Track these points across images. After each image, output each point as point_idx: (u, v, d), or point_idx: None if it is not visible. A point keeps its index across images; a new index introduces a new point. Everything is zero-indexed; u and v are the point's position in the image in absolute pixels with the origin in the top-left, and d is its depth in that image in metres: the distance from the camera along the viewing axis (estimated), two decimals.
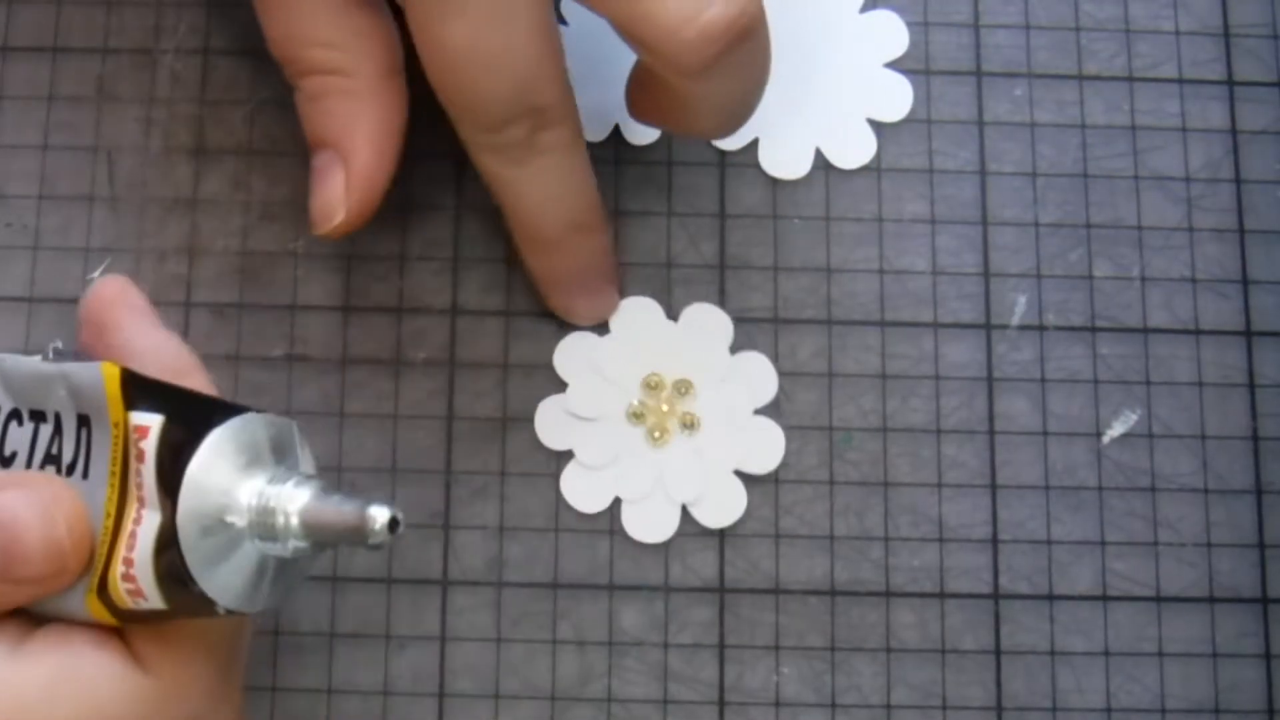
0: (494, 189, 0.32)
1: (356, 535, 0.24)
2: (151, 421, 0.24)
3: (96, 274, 0.35)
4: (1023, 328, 0.36)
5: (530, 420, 0.35)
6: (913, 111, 0.37)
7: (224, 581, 0.25)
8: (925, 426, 0.35)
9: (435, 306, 0.36)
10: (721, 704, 0.34)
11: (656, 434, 0.35)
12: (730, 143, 0.36)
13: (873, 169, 0.37)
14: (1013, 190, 0.36)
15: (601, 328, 0.35)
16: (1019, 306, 0.36)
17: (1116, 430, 0.35)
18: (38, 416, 0.26)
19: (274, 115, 0.36)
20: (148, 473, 0.24)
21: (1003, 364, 0.36)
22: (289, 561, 0.26)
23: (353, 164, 0.32)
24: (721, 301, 0.36)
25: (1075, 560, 0.35)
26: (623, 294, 0.35)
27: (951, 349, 0.36)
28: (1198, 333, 0.36)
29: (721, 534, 0.35)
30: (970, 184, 0.36)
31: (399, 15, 0.31)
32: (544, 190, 0.32)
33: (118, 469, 0.25)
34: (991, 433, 0.35)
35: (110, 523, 0.25)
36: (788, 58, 0.37)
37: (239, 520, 0.25)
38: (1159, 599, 0.34)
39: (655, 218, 0.36)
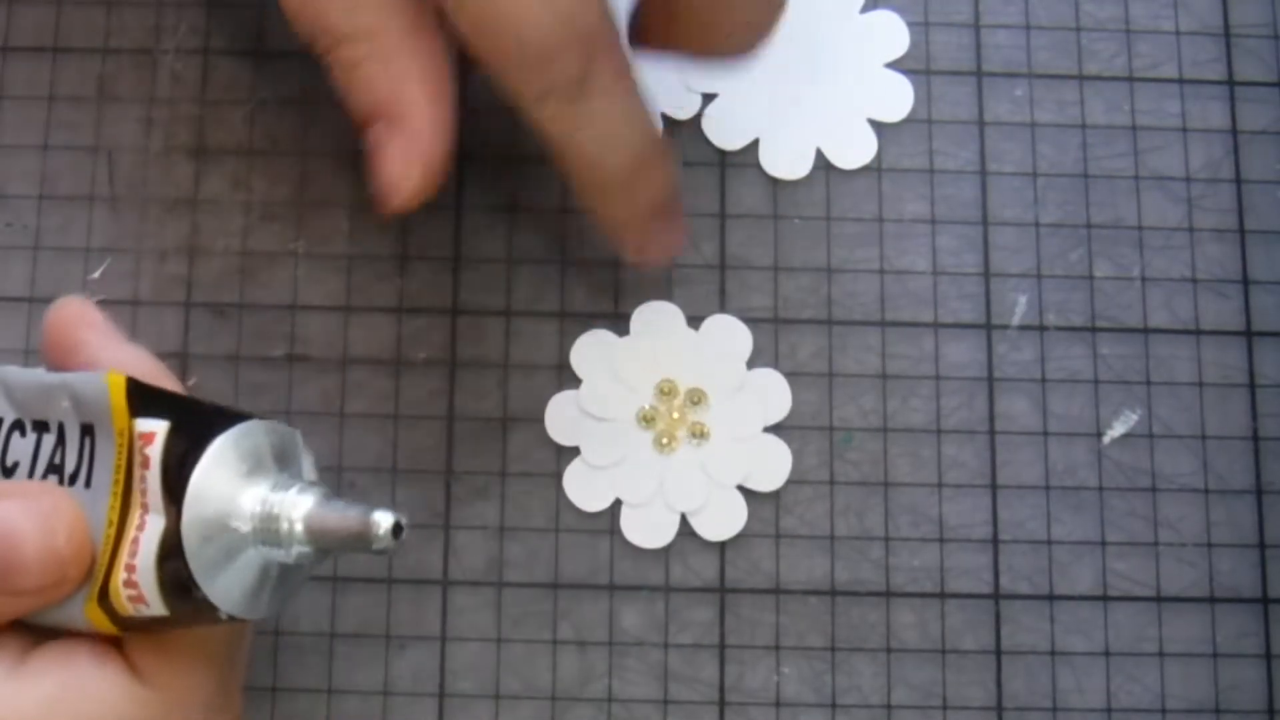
0: (553, 138, 0.29)
1: (361, 541, 0.24)
2: (157, 428, 0.24)
3: (97, 274, 0.35)
4: (1023, 328, 0.36)
5: (531, 420, 0.35)
6: (913, 111, 0.37)
7: (226, 587, 0.25)
8: (925, 426, 0.35)
9: (435, 306, 0.36)
10: (722, 704, 0.34)
11: (664, 440, 0.35)
12: (730, 143, 0.36)
13: (873, 169, 0.37)
14: (1013, 190, 0.36)
15: (621, 328, 0.35)
16: (1019, 306, 0.36)
17: (1117, 430, 0.35)
18: (41, 427, 0.26)
19: (274, 115, 0.36)
20: (153, 478, 0.24)
21: (1003, 364, 0.36)
22: (290, 568, 0.26)
23: (409, 128, 0.29)
24: (722, 302, 0.36)
25: (1075, 560, 0.35)
26: (627, 295, 0.35)
27: (952, 349, 0.36)
28: (1198, 333, 0.36)
29: None
30: (970, 184, 0.36)
31: None
32: (606, 127, 0.29)
33: (121, 476, 0.25)
34: (992, 433, 0.35)
35: (112, 530, 0.25)
36: (788, 58, 0.37)
37: (243, 526, 0.25)
38: (1159, 599, 0.35)
39: None
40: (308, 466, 0.27)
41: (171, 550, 0.24)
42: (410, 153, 0.29)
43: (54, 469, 0.26)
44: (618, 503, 0.35)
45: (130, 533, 0.24)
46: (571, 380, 0.35)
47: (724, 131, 0.36)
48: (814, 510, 0.35)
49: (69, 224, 0.36)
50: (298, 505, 0.25)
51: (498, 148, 0.36)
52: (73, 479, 0.25)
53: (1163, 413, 0.35)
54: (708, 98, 0.37)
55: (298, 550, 0.25)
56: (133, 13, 0.37)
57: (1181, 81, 0.37)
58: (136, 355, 0.29)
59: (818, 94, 0.37)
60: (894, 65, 0.37)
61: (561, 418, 0.35)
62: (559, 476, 0.35)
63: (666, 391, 0.35)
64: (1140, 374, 0.36)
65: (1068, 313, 0.36)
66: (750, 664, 0.34)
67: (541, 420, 0.35)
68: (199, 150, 0.36)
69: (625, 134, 0.29)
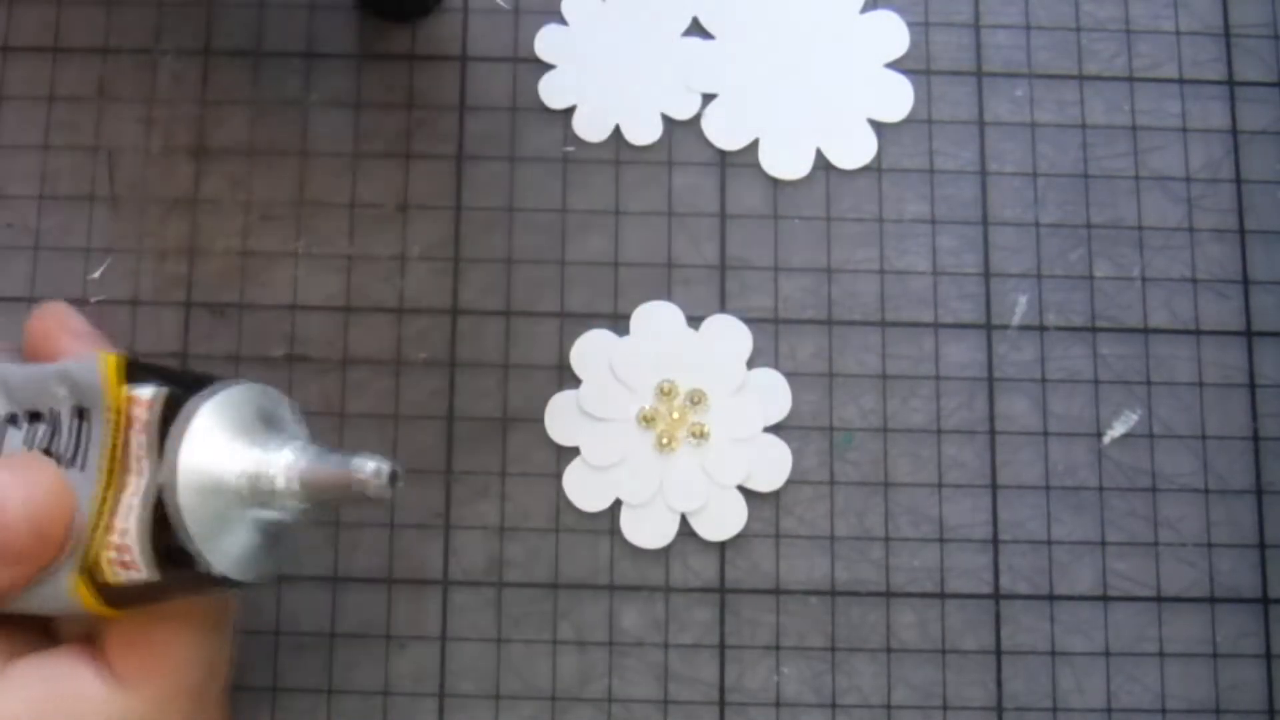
0: None
1: (352, 490, 0.24)
2: (149, 393, 0.24)
3: (97, 274, 0.35)
4: (1023, 328, 0.36)
5: (531, 420, 0.35)
6: (913, 111, 0.37)
7: (218, 545, 0.25)
8: (925, 426, 0.35)
9: (435, 306, 0.36)
10: (722, 704, 0.34)
11: (665, 440, 0.35)
12: (730, 143, 0.36)
13: (873, 169, 0.37)
14: (1013, 190, 0.36)
15: (621, 328, 0.35)
16: (1019, 306, 0.36)
17: (1117, 430, 0.35)
18: (35, 418, 0.26)
19: (274, 115, 0.36)
20: (145, 440, 0.24)
21: (1003, 364, 0.36)
22: (281, 530, 0.26)
23: None
24: (722, 302, 0.36)
25: (1075, 560, 0.35)
26: (627, 295, 0.36)
27: (952, 349, 0.36)
28: (1198, 333, 0.36)
29: None
30: (970, 184, 0.36)
31: None
32: None
33: (109, 450, 0.25)
34: (992, 433, 0.35)
35: (99, 504, 0.25)
36: (788, 58, 0.37)
37: (234, 483, 0.25)
38: (1159, 599, 0.34)
39: (655, 218, 0.36)
40: (302, 428, 0.27)
41: (163, 510, 0.24)
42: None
43: (47, 455, 0.26)
44: (618, 503, 0.35)
45: (123, 499, 0.24)
46: (571, 380, 0.35)
47: (724, 131, 0.36)
48: (814, 510, 0.35)
49: (69, 224, 0.36)
50: (288, 461, 0.25)
51: (498, 148, 0.36)
52: (69, 463, 0.26)
53: (1163, 413, 0.35)
54: (708, 98, 0.37)
55: (290, 506, 0.25)
56: (132, 13, 0.37)
57: (1181, 81, 0.37)
58: None
59: (818, 94, 0.37)
60: (894, 65, 0.37)
61: (561, 418, 0.35)
62: (559, 476, 0.35)
63: (666, 392, 0.35)
64: (1140, 374, 0.36)
65: (1068, 313, 0.36)
66: (750, 664, 0.34)
67: (541, 420, 0.35)
68: (199, 150, 0.36)
69: None
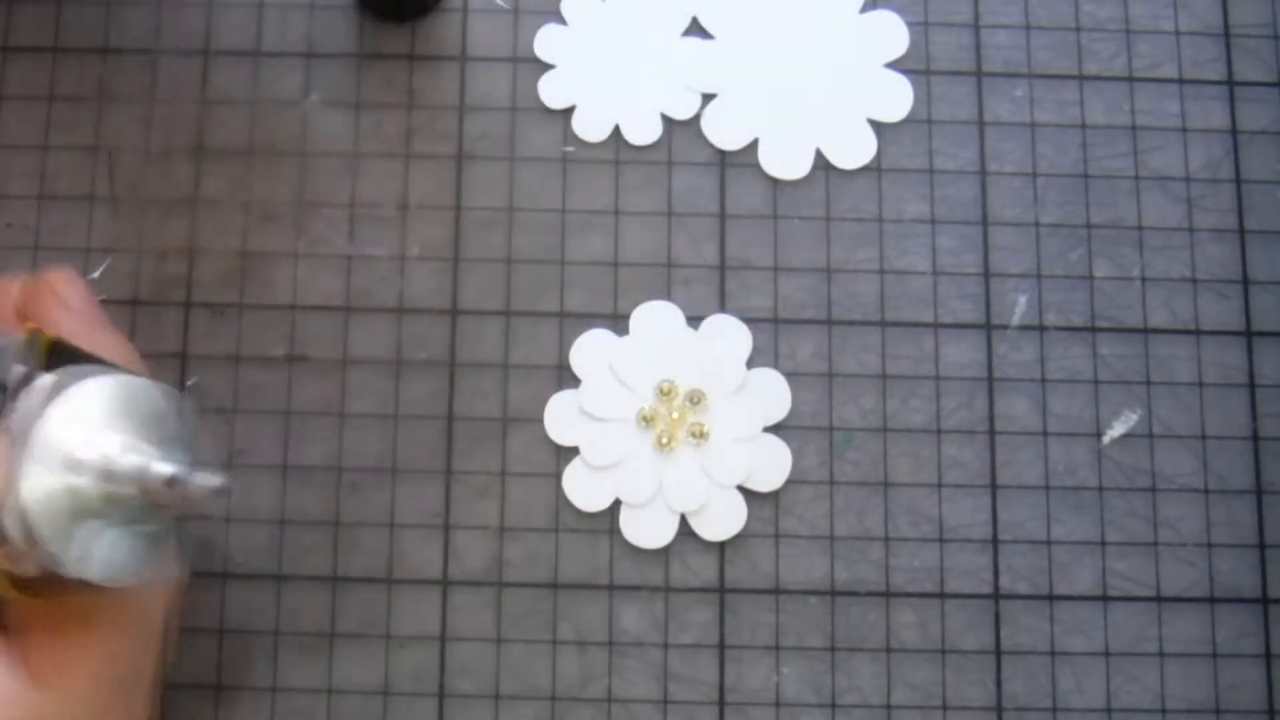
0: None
1: (180, 498, 0.23)
2: (44, 381, 0.24)
3: (96, 274, 0.35)
4: (1023, 328, 0.36)
5: (531, 420, 0.35)
6: (913, 111, 0.37)
7: (71, 546, 0.24)
8: (925, 426, 0.35)
9: (435, 306, 0.36)
10: (721, 704, 0.34)
11: (664, 440, 0.34)
12: (730, 143, 0.36)
13: (873, 169, 0.37)
14: (1013, 190, 0.36)
15: (621, 328, 0.35)
16: (1019, 306, 0.36)
17: (1117, 430, 0.35)
18: None
19: (274, 115, 0.36)
20: (10, 425, 0.23)
21: (1003, 364, 0.36)
22: (160, 532, 0.25)
23: None
24: (722, 302, 0.36)
25: (1075, 560, 0.35)
26: (627, 295, 0.36)
27: (952, 349, 0.36)
28: (1198, 333, 0.36)
29: None
30: (970, 184, 0.36)
31: None
32: None
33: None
34: (992, 433, 0.35)
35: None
36: (788, 58, 0.37)
37: (82, 483, 0.24)
38: (1159, 599, 0.34)
39: (655, 218, 0.36)
40: (186, 431, 0.26)
41: (11, 497, 0.23)
42: None
43: None
44: (617, 503, 0.35)
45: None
46: (571, 380, 0.35)
47: (724, 131, 0.36)
48: (814, 510, 0.35)
49: (69, 224, 0.36)
50: (131, 464, 0.24)
51: (498, 148, 0.36)
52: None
53: (1163, 413, 0.35)
54: (708, 98, 0.37)
55: (133, 511, 0.24)
56: (132, 13, 0.37)
57: (1181, 81, 0.37)
58: (113, 342, 0.28)
59: (818, 94, 0.37)
60: (894, 65, 0.37)
61: (561, 418, 0.35)
62: (559, 476, 0.35)
63: (666, 392, 0.35)
64: (1140, 374, 0.36)
65: (1068, 313, 0.36)
66: (750, 664, 0.34)
67: (541, 420, 0.35)
68: (199, 150, 0.36)
69: None
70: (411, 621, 0.34)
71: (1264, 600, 0.35)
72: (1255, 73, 0.37)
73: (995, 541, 0.35)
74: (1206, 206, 0.36)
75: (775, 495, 0.35)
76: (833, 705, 0.34)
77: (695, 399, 0.35)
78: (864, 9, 0.37)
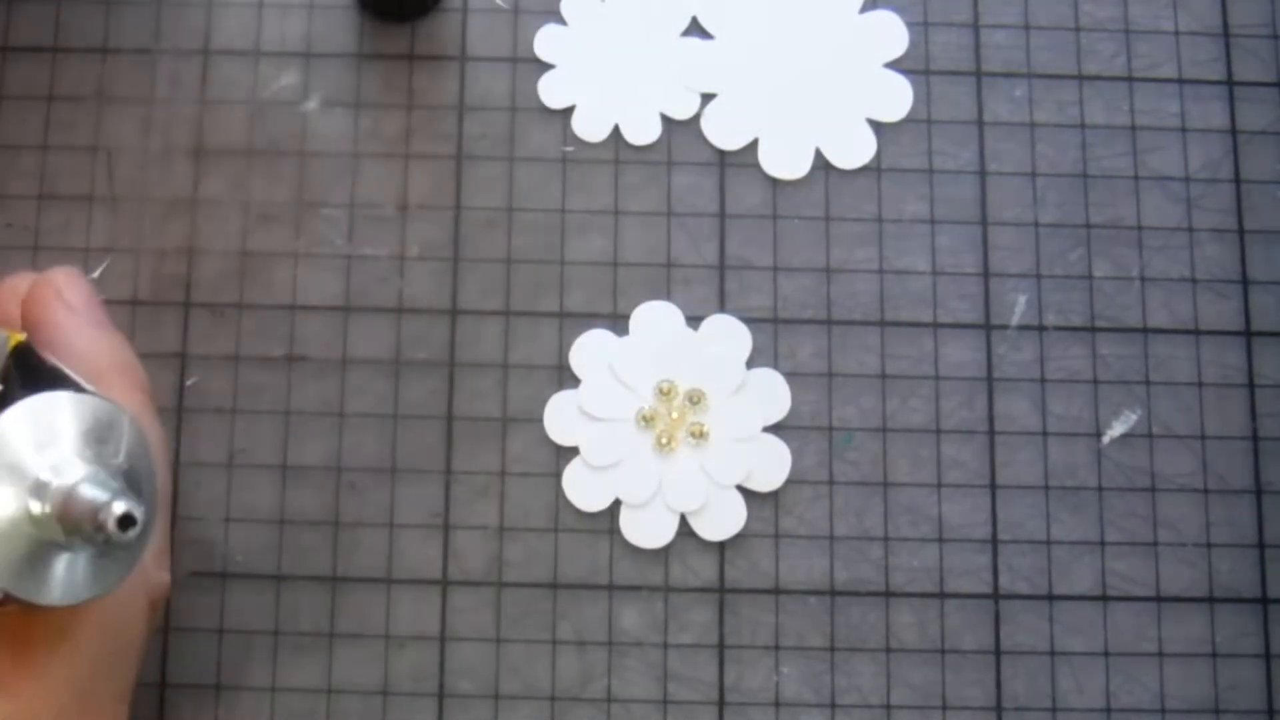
0: None
1: (88, 525, 0.23)
2: None
3: (96, 274, 0.35)
4: (1023, 328, 0.36)
5: (530, 420, 0.35)
6: (913, 111, 0.37)
7: (22, 569, 0.23)
8: (925, 426, 0.35)
9: (435, 306, 0.36)
10: (721, 704, 0.34)
11: (664, 440, 0.34)
12: (730, 143, 0.36)
13: (873, 169, 0.37)
14: (1013, 190, 0.36)
15: (621, 328, 0.35)
16: (1019, 306, 0.36)
17: (1116, 430, 0.35)
18: None
19: (274, 115, 0.36)
20: None
21: (1003, 364, 0.36)
22: (93, 553, 0.24)
23: None
24: (721, 302, 0.36)
25: (1075, 560, 0.35)
26: (626, 295, 0.36)
27: (951, 349, 0.36)
28: (1198, 333, 0.36)
29: None
30: (970, 184, 0.36)
31: None
32: None
33: None
34: (991, 433, 0.35)
35: None
36: (788, 58, 0.37)
37: (8, 495, 0.23)
38: (1159, 599, 0.34)
39: (655, 218, 0.36)
40: (125, 450, 0.25)
41: None
42: None
43: None
44: (617, 503, 0.35)
45: None
46: (571, 380, 0.35)
47: (724, 131, 0.36)
48: (814, 510, 0.35)
49: (69, 224, 0.36)
50: (58, 485, 0.23)
51: (497, 148, 0.36)
52: None
53: (1162, 413, 0.35)
54: (707, 98, 0.37)
55: (58, 533, 0.23)
56: (132, 13, 0.37)
57: (1181, 81, 0.37)
58: (112, 343, 0.28)
59: (818, 94, 0.37)
60: (893, 65, 0.37)
61: (561, 418, 0.35)
62: (559, 476, 0.35)
63: (666, 392, 0.35)
64: (1140, 374, 0.36)
65: (1067, 313, 0.36)
66: (750, 664, 0.34)
67: (541, 420, 0.35)
68: (199, 150, 0.36)
69: None
70: (411, 622, 0.34)
71: (1263, 600, 0.35)
72: (1255, 73, 0.37)
73: (995, 541, 0.35)
74: (1206, 206, 0.36)
75: (775, 495, 0.35)
76: (832, 705, 0.34)
77: (695, 399, 0.35)
78: (864, 9, 0.37)
